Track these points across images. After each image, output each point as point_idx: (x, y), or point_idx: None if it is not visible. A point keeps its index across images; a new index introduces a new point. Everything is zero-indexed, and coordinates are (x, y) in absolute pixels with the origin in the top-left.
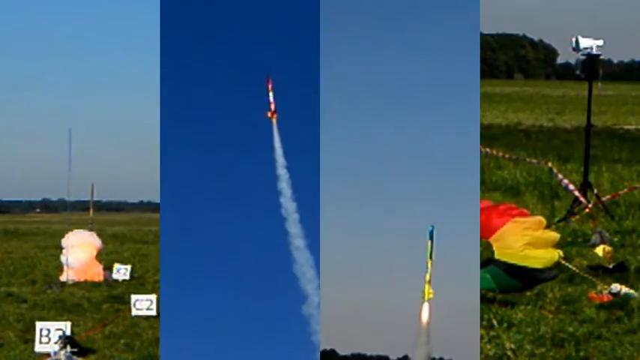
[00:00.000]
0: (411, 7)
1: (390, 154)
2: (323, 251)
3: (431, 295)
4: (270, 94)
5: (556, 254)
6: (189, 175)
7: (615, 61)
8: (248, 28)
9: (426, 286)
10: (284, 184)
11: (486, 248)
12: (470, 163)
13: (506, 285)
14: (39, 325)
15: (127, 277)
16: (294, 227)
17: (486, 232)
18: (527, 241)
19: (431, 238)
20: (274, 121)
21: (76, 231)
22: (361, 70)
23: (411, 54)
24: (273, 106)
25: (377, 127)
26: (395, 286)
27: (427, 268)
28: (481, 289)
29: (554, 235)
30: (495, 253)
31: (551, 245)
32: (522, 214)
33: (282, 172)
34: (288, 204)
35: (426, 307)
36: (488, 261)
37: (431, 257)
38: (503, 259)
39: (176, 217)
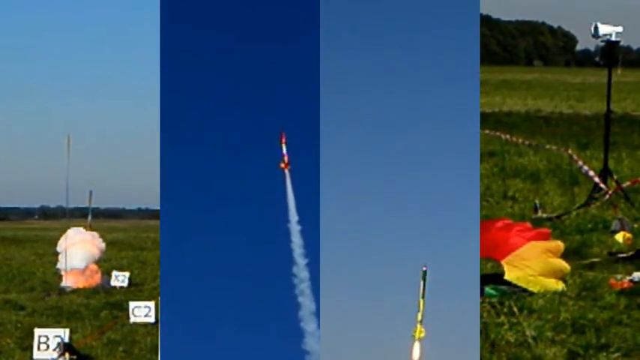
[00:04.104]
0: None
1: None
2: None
3: (422, 335)
4: (284, 147)
5: (560, 287)
6: (189, 181)
7: (635, 47)
8: (250, 37)
9: (418, 326)
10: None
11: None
12: (470, 183)
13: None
14: (37, 332)
15: (125, 284)
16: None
17: (500, 252)
18: (541, 267)
19: (424, 279)
20: (287, 172)
21: (75, 229)
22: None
23: (407, 55)
24: (286, 158)
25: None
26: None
27: (419, 307)
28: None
29: (566, 267)
30: (506, 274)
31: (561, 276)
32: (540, 235)
33: (294, 226)
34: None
35: (417, 346)
36: (493, 278)
37: (423, 297)
38: (512, 280)
39: (176, 223)
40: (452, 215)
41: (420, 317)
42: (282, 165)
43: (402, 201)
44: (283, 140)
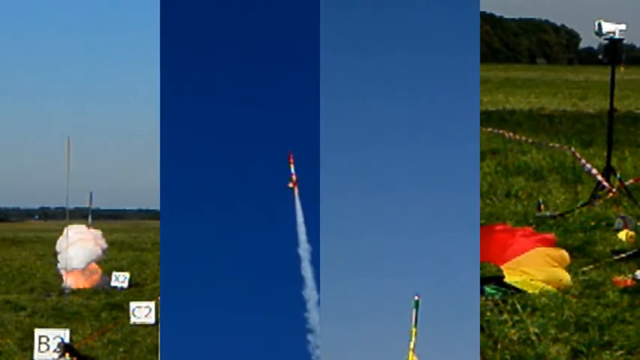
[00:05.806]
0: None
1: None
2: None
3: None
4: (292, 167)
5: None
6: (189, 182)
7: (638, 45)
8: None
9: (410, 354)
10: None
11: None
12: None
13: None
14: (38, 332)
15: (126, 285)
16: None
17: (501, 257)
18: (543, 277)
19: (416, 307)
20: (296, 191)
21: (74, 228)
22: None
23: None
24: (295, 177)
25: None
26: None
27: (411, 336)
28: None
29: (567, 278)
30: (506, 277)
31: (562, 287)
32: (545, 241)
33: (303, 243)
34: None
35: None
36: (493, 280)
37: (415, 325)
38: (512, 283)
39: (176, 224)
40: (452, 217)
41: (412, 345)
42: (291, 184)
43: (402, 206)
44: (291, 160)
